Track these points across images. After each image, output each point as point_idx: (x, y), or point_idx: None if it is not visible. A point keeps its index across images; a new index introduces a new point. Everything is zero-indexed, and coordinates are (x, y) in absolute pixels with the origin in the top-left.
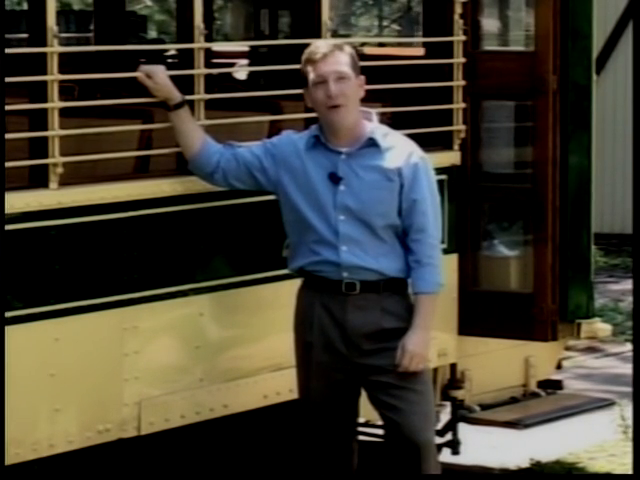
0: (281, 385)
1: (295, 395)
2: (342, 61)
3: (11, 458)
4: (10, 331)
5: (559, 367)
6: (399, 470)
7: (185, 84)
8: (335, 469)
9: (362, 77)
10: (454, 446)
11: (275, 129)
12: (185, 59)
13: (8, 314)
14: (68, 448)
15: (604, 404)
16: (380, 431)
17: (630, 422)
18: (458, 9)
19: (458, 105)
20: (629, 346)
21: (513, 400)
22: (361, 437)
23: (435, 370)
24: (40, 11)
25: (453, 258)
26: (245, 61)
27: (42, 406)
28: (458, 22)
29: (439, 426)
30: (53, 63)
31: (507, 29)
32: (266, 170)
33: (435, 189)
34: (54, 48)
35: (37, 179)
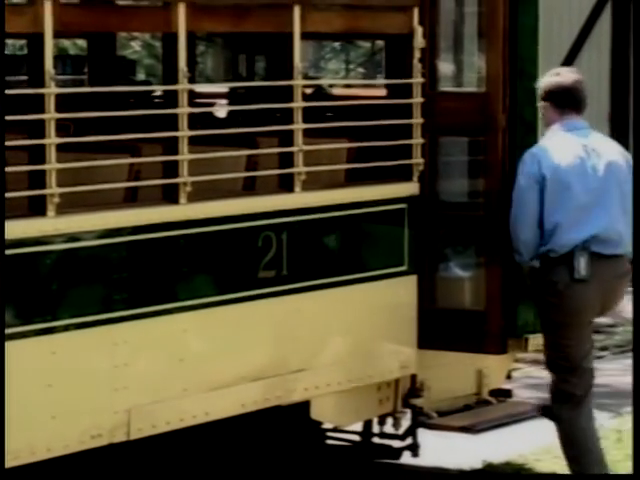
0: (258, 394)
1: (270, 403)
2: None
3: (11, 461)
4: (11, 346)
5: (509, 377)
6: None
7: (170, 122)
8: None
9: None
10: (414, 449)
11: (252, 163)
12: (170, 99)
13: (9, 330)
14: (64, 452)
15: (549, 411)
16: (349, 435)
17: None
18: (417, 54)
19: (417, 140)
20: None
21: (467, 407)
22: (331, 442)
23: (397, 381)
24: (39, 55)
25: (413, 279)
26: (225, 101)
27: (40, 413)
28: (417, 66)
29: (400, 431)
30: (50, 103)
31: (461, 72)
32: None
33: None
34: (51, 89)
35: (36, 208)
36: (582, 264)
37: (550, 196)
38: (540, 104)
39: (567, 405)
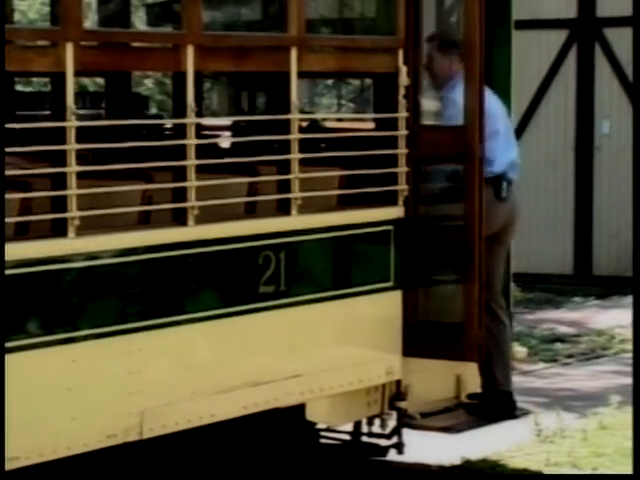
0: (258, 398)
1: (269, 406)
2: None
3: (36, 458)
4: (35, 354)
5: None
6: None
7: (179, 152)
8: None
9: None
10: (399, 447)
11: (253, 189)
12: (179, 131)
13: (34, 340)
14: (83, 450)
15: (521, 412)
16: (341, 435)
17: (543, 427)
18: (402, 91)
19: (402, 169)
20: (541, 365)
21: (447, 409)
22: (324, 440)
23: (384, 385)
24: (61, 92)
25: (398, 294)
26: (228, 133)
27: (61, 415)
28: (402, 101)
29: (387, 431)
30: (71, 135)
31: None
32: None
33: None
34: (72, 123)
35: (58, 230)
36: (504, 185)
37: (488, 126)
38: (444, 58)
39: (496, 322)
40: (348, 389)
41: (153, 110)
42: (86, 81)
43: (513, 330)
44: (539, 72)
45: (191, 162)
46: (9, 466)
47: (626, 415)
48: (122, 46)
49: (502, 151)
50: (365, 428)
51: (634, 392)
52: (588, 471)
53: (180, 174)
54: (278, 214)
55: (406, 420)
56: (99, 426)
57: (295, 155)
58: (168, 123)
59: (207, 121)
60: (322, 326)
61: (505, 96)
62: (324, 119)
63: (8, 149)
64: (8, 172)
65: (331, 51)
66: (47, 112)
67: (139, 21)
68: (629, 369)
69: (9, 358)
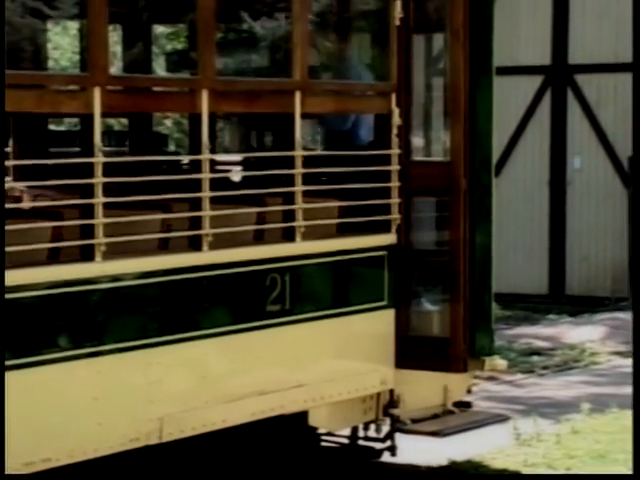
0: (265, 405)
1: (275, 412)
2: None
3: (66, 459)
4: (65, 366)
5: (469, 391)
6: None
7: (195, 185)
8: None
9: None
10: (392, 450)
11: (261, 218)
12: (195, 166)
13: (64, 354)
14: (108, 452)
15: (502, 418)
16: (340, 439)
17: (521, 431)
18: (395, 130)
19: (395, 200)
20: (520, 375)
21: (435, 416)
22: (325, 444)
23: (378, 394)
24: (89, 131)
25: (391, 312)
26: (239, 168)
27: (89, 421)
28: (394, 139)
29: (381, 435)
30: (98, 170)
31: (430, 145)
32: None
33: None
34: (99, 159)
35: (86, 254)
36: None
37: None
38: None
39: None
40: (346, 397)
41: (172, 147)
42: (112, 121)
43: (494, 344)
44: (517, 113)
45: (206, 194)
46: (42, 467)
47: (595, 421)
48: (144, 90)
49: None
50: (361, 433)
51: (634, 393)
52: (562, 471)
53: (196, 205)
54: (284, 240)
55: (398, 425)
56: (123, 431)
57: (299, 187)
58: (185, 159)
59: (220, 157)
60: (323, 341)
61: (487, 135)
62: (325, 155)
63: (42, 182)
64: (42, 203)
65: (331, 94)
66: (77, 149)
67: (159, 68)
68: (598, 379)
69: (43, 370)
